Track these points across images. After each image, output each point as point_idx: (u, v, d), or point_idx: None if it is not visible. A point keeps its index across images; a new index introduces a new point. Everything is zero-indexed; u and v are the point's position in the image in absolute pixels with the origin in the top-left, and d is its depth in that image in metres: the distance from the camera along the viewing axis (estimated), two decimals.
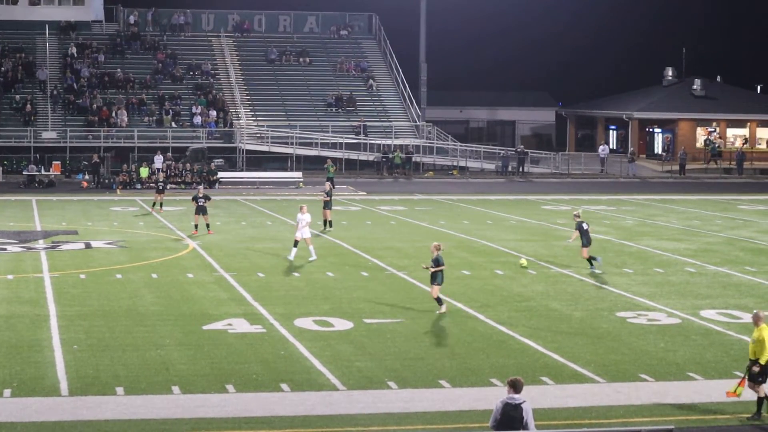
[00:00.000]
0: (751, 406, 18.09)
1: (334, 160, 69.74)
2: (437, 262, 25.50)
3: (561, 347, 22.57)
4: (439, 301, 25.85)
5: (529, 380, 17.69)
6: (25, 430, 17.03)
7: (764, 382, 17.85)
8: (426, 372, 20.53)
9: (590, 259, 32.10)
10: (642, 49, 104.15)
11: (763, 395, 17.89)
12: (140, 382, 19.64)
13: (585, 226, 32.29)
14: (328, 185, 43.15)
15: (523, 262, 32.89)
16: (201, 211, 39.84)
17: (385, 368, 20.77)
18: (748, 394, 18.23)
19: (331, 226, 41.35)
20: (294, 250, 33.45)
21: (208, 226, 39.98)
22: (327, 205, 41.47)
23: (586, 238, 32.11)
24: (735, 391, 17.98)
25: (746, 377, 17.92)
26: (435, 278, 25.59)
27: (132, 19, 79.51)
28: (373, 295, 28.12)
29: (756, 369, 17.75)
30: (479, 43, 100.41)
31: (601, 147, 76.54)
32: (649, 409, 18.37)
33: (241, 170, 67.01)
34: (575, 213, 33.40)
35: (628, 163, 73.15)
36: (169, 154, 65.11)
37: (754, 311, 18.73)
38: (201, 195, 40.13)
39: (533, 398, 16.16)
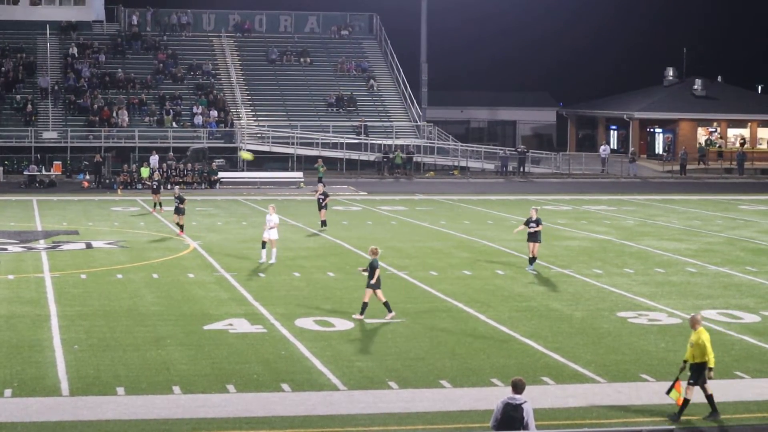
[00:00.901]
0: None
1: (335, 160, 70.02)
2: (371, 266, 24.90)
3: (562, 347, 22.57)
4: (365, 306, 24.84)
5: (529, 380, 17.66)
6: (25, 430, 17.03)
7: (696, 384, 17.79)
8: (427, 372, 20.53)
9: (533, 259, 32.22)
10: (643, 49, 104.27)
11: (710, 392, 17.87)
12: (141, 382, 19.64)
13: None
14: (321, 186, 42.99)
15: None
16: (177, 211, 39.39)
17: (385, 368, 20.77)
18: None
19: (324, 225, 41.30)
20: (263, 251, 33.17)
21: (180, 227, 39.49)
22: (326, 205, 41.40)
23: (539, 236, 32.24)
24: (670, 393, 17.87)
25: (680, 379, 17.85)
26: (369, 282, 24.81)
27: (134, 19, 79.55)
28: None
29: (710, 375, 17.78)
30: (480, 43, 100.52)
31: (602, 147, 76.57)
32: (649, 409, 18.36)
33: (242, 170, 67.01)
34: (535, 208, 33.28)
35: (629, 163, 73.16)
36: (171, 153, 65.05)
37: (691, 314, 18.73)
38: (176, 196, 39.74)
39: (534, 398, 16.16)
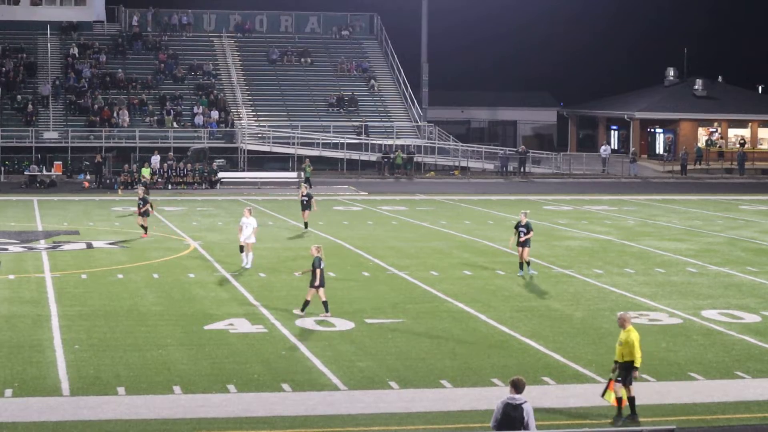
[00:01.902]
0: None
1: (336, 160, 70.03)
2: (313, 264, 24.93)
3: (562, 347, 22.57)
4: (306, 304, 25.10)
5: (530, 380, 17.65)
6: (26, 430, 17.04)
7: (625, 383, 17.63)
8: (427, 372, 20.53)
9: (527, 263, 31.62)
10: (643, 49, 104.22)
11: (633, 395, 17.74)
12: (141, 382, 19.64)
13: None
14: (305, 188, 42.56)
15: None
16: (142, 213, 38.58)
17: (386, 368, 20.77)
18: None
19: (306, 227, 41.04)
20: (243, 255, 32.34)
21: (144, 228, 38.84)
22: (309, 206, 41.04)
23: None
24: (604, 396, 17.77)
25: (613, 380, 17.70)
26: (313, 281, 24.96)
27: (135, 20, 79.55)
28: (375, 295, 28.13)
29: (635, 375, 17.67)
30: (480, 43, 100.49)
31: (603, 147, 76.54)
32: (650, 409, 18.35)
33: (243, 170, 67.02)
34: (524, 212, 32.84)
35: (630, 163, 73.12)
36: (171, 153, 64.97)
37: (619, 313, 18.56)
38: (140, 198, 38.97)
39: (534, 398, 16.16)
